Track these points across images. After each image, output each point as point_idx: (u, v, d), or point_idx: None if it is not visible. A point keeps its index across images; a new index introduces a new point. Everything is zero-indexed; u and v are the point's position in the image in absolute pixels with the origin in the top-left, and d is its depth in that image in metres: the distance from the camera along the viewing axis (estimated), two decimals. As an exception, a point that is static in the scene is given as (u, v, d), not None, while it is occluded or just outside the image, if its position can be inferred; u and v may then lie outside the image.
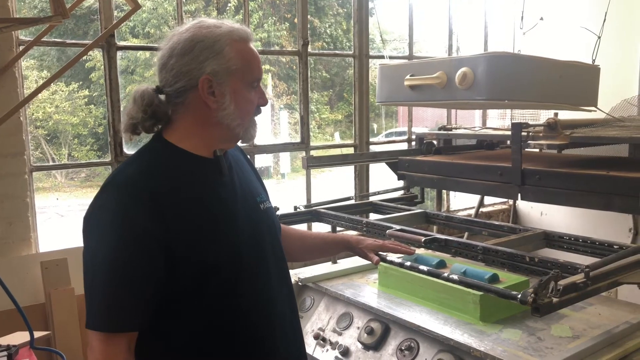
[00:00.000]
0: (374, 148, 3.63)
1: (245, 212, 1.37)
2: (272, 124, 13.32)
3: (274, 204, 1.61)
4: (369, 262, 2.46)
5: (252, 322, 1.35)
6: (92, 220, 1.24)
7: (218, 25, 1.30)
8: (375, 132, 14.17)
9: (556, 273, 1.39)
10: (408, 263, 1.88)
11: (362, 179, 3.50)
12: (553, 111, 2.60)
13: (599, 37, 2.46)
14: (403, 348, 1.88)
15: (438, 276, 1.73)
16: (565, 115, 2.46)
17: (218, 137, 1.35)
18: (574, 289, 1.40)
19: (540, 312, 1.35)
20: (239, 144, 1.57)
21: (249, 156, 1.71)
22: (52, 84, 11.86)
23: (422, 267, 1.81)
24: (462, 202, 4.28)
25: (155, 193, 1.23)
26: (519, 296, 1.39)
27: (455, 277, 1.66)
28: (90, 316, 1.20)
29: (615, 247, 1.87)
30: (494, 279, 1.87)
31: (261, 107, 1.40)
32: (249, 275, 1.34)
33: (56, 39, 2.49)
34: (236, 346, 1.33)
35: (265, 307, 1.38)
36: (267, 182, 1.68)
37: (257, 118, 1.41)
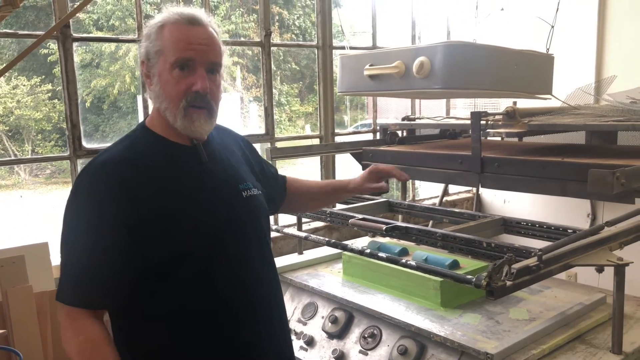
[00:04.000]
0: (340, 139, 3.64)
1: (225, 198, 1.39)
2: (242, 117, 13.22)
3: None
4: (334, 252, 2.49)
5: (230, 305, 1.36)
6: (68, 204, 1.31)
7: (165, 12, 1.33)
8: (347, 124, 14.20)
9: (510, 257, 1.42)
10: (368, 251, 1.90)
11: (328, 170, 3.51)
12: (513, 100, 2.65)
13: (552, 27, 2.51)
14: (366, 335, 1.90)
15: (396, 262, 1.76)
16: (525, 103, 2.51)
17: (167, 122, 1.35)
18: (527, 272, 1.43)
19: (494, 295, 1.38)
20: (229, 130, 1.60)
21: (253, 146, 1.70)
22: (12, 78, 11.52)
23: (381, 254, 1.83)
24: (428, 192, 4.34)
25: (126, 178, 1.27)
26: (474, 280, 1.41)
27: (412, 263, 1.68)
28: (59, 289, 1.28)
29: (569, 231, 1.93)
30: (454, 265, 1.90)
31: (200, 93, 1.30)
32: (227, 259, 1.36)
33: (8, 30, 2.41)
34: (212, 329, 1.33)
35: (246, 292, 1.39)
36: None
37: (196, 110, 1.31)
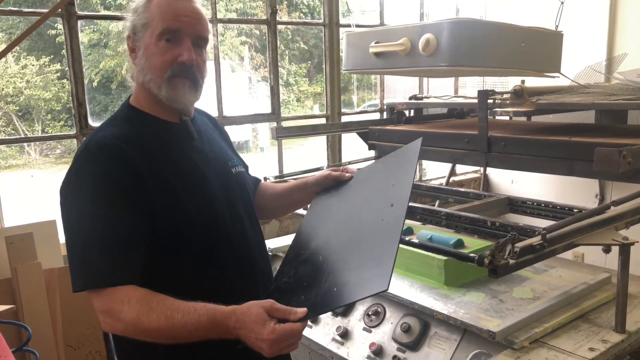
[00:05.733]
0: (347, 119, 3.62)
1: (217, 175, 1.40)
2: (250, 97, 13.18)
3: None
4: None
5: (232, 282, 1.37)
6: (71, 187, 1.25)
7: None
8: (355, 104, 14.13)
9: (513, 235, 1.41)
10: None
11: (334, 150, 3.50)
12: (521, 79, 2.61)
13: (562, 3, 2.46)
14: (370, 313, 1.91)
15: (400, 241, 1.75)
16: (533, 82, 2.48)
17: (154, 98, 1.34)
18: (531, 250, 1.42)
19: (496, 274, 1.38)
20: (197, 109, 1.56)
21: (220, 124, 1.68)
22: (21, 58, 11.54)
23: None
24: (435, 172, 4.32)
25: (129, 155, 1.25)
26: (476, 258, 1.41)
27: (416, 241, 1.68)
28: (87, 277, 1.19)
29: (574, 210, 1.92)
30: (459, 244, 1.90)
31: (186, 64, 1.31)
32: (226, 236, 1.37)
33: (12, 8, 2.41)
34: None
35: (245, 267, 1.41)
36: (246, 156, 1.69)
37: (180, 78, 1.31)
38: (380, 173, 1.54)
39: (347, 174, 1.61)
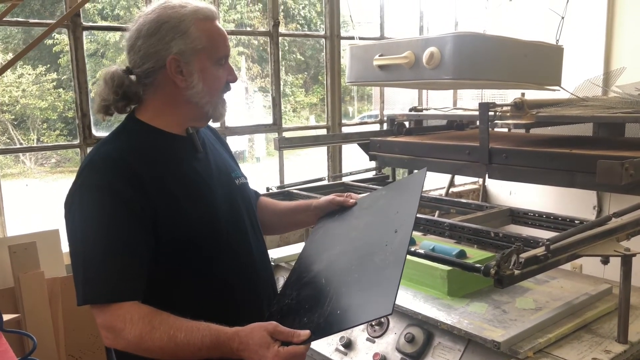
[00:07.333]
0: (347, 130, 3.65)
1: (222, 186, 1.41)
2: (247, 107, 13.22)
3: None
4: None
5: (236, 295, 1.38)
6: (76, 199, 1.25)
7: (183, 5, 1.33)
8: (353, 115, 14.19)
9: (518, 246, 1.43)
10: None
11: (335, 161, 3.52)
12: (521, 91, 2.65)
13: (562, 18, 2.51)
14: (374, 324, 1.92)
15: (404, 251, 1.76)
16: (533, 95, 2.51)
17: (189, 116, 1.38)
18: (535, 261, 1.44)
19: (502, 284, 1.39)
20: (210, 123, 1.58)
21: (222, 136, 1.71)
22: (17, 67, 11.54)
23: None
24: (434, 183, 4.35)
25: (134, 168, 1.26)
26: (482, 268, 1.43)
27: (420, 251, 1.70)
28: (90, 292, 1.20)
29: (576, 222, 1.94)
30: (461, 254, 1.92)
31: (230, 84, 1.41)
32: (230, 248, 1.38)
33: (19, 19, 2.42)
34: (221, 319, 1.34)
35: (249, 278, 1.42)
36: (242, 166, 1.70)
37: (227, 96, 1.43)
38: (384, 200, 1.55)
39: (352, 200, 1.61)
